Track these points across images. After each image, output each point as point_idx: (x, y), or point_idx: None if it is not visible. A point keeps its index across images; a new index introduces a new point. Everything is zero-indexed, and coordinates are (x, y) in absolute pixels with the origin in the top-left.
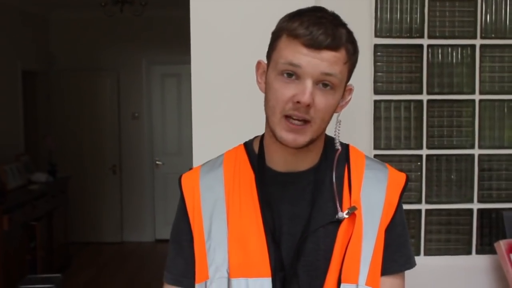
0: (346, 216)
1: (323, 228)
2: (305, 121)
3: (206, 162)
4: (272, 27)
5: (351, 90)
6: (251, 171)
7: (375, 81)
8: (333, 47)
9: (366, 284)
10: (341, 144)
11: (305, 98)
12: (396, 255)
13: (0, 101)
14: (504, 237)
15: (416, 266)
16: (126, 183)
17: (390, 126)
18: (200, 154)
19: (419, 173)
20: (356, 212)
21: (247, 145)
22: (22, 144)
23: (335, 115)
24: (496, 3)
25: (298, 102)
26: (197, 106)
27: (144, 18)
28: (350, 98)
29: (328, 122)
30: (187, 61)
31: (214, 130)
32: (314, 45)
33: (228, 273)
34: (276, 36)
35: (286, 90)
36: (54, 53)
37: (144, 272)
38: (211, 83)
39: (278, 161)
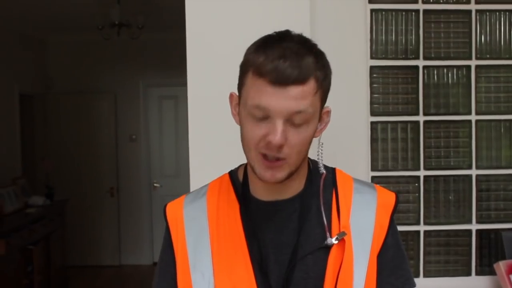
0: (335, 242)
1: (312, 255)
2: (281, 160)
3: (190, 193)
4: None
5: (328, 112)
6: (236, 200)
7: (371, 103)
8: (300, 81)
9: None
10: (327, 167)
11: (276, 140)
12: (392, 278)
13: None
14: (504, 257)
15: None
16: (124, 206)
17: (387, 147)
18: (197, 176)
19: (417, 194)
20: (345, 237)
21: (232, 174)
22: (19, 167)
23: (315, 139)
24: (490, 24)
25: (270, 143)
26: (193, 128)
27: (141, 41)
28: (329, 120)
29: (306, 153)
30: (184, 83)
31: (211, 151)
32: (281, 82)
33: None
34: (243, 71)
35: (257, 130)
36: (51, 75)
37: None
38: (207, 105)
39: (261, 190)
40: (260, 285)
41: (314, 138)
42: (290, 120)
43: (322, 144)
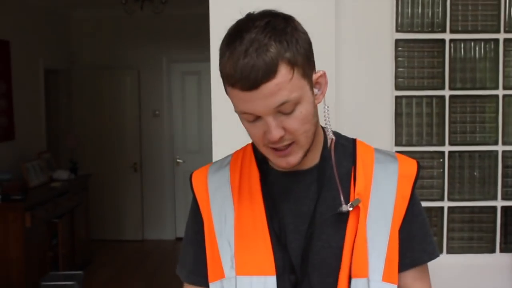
0: (350, 209)
1: (332, 225)
2: (289, 145)
3: (215, 162)
4: None
5: (322, 76)
6: (257, 171)
7: (396, 77)
8: (268, 77)
9: (383, 280)
10: (347, 138)
11: (273, 136)
12: (424, 244)
13: (22, 99)
14: None
15: (438, 264)
16: (147, 181)
17: (411, 122)
18: (220, 152)
19: (441, 170)
20: (361, 206)
21: (255, 145)
22: (44, 141)
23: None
24: None
25: (269, 140)
26: (216, 103)
27: (164, 15)
28: (327, 81)
29: (314, 127)
30: (208, 59)
31: (234, 127)
32: (250, 87)
33: (235, 272)
34: (222, 78)
35: (255, 130)
36: (75, 51)
37: (165, 270)
38: None
39: None
40: (278, 256)
41: (318, 104)
42: (280, 112)
43: (328, 107)
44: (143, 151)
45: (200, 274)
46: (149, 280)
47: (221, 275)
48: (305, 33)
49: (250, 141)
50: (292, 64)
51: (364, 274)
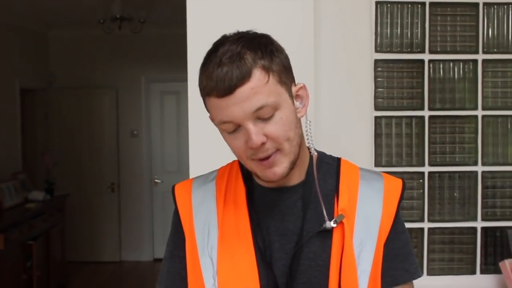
0: (334, 225)
1: (318, 243)
2: (273, 153)
3: (199, 176)
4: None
5: (302, 88)
6: (243, 186)
7: (375, 97)
8: (242, 81)
9: None
10: (333, 157)
11: (254, 143)
12: (406, 264)
13: None
14: (509, 256)
15: (419, 286)
16: (125, 202)
17: (391, 142)
18: (197, 171)
19: (421, 191)
20: (346, 222)
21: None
22: (20, 162)
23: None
24: (498, 17)
25: (251, 147)
26: (193, 123)
27: (143, 35)
28: (308, 95)
29: (297, 136)
30: (186, 79)
31: (211, 148)
32: (226, 92)
33: None
34: (202, 98)
35: (237, 142)
36: (52, 70)
37: None
38: None
39: None
40: (263, 274)
41: (301, 118)
42: (259, 118)
43: (310, 122)
44: (121, 171)
45: None
46: None
47: None
48: (281, 48)
49: (229, 160)
50: (267, 69)
51: None
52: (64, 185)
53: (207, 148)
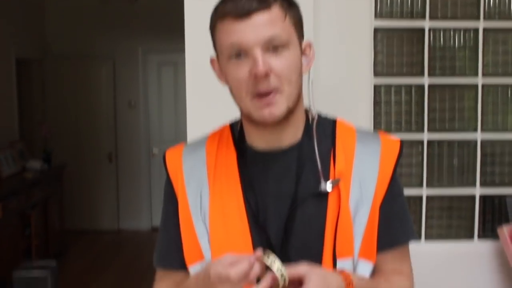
0: (329, 189)
1: (313, 205)
2: (273, 92)
3: (190, 142)
4: None
5: (309, 45)
6: (234, 150)
7: (375, 64)
8: (262, 8)
9: (359, 257)
10: (327, 118)
11: (259, 69)
12: (403, 225)
13: None
14: (508, 222)
15: (416, 252)
16: (122, 171)
17: (390, 110)
18: None
19: (420, 158)
20: (342, 185)
21: (233, 126)
22: (17, 131)
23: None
24: None
25: (255, 75)
26: (191, 93)
27: (140, 5)
28: (313, 54)
29: (298, 84)
30: (184, 49)
31: (209, 118)
32: (243, 14)
33: (210, 253)
34: (212, 29)
35: (241, 70)
36: (48, 40)
37: (141, 260)
38: (205, 71)
39: (258, 139)
40: (256, 237)
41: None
42: (268, 48)
43: (312, 81)
44: (118, 141)
45: (172, 257)
46: (124, 270)
47: (199, 257)
48: (298, 5)
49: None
50: (285, 9)
51: (350, 253)
52: (62, 155)
53: (205, 118)
